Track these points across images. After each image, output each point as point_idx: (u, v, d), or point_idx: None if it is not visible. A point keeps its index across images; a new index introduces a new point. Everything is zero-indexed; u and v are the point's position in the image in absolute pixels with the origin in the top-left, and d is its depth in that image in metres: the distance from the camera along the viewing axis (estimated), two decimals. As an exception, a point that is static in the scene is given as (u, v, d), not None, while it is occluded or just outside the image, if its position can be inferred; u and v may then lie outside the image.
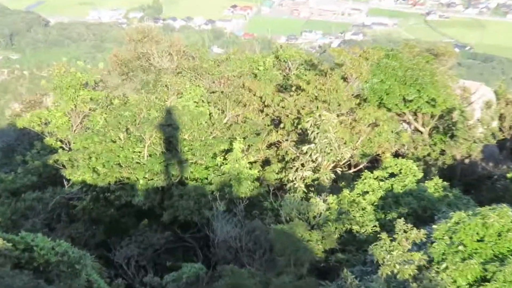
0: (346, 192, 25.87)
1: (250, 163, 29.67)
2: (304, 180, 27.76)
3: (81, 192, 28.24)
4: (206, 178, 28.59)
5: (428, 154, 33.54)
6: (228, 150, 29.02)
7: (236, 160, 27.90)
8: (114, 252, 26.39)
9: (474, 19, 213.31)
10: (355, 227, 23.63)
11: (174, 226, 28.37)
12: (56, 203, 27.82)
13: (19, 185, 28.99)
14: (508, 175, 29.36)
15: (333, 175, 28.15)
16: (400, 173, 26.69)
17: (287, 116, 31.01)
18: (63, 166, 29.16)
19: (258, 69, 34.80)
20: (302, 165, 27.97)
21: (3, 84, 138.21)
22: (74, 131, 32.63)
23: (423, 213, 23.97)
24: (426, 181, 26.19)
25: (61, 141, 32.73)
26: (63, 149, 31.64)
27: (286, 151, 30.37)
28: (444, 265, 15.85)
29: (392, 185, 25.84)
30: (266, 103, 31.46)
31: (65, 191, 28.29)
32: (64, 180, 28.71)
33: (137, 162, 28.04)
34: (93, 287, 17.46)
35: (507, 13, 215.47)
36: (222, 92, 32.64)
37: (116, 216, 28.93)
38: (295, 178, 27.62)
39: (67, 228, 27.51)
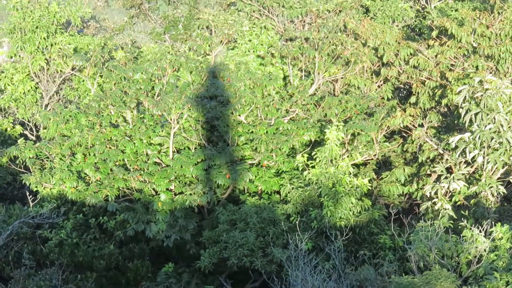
0: (526, 220, 23.95)
1: (356, 165, 27.48)
2: (451, 197, 25.61)
3: (57, 215, 25.73)
4: (278, 192, 26.84)
5: None
6: (317, 143, 27.29)
7: (331, 161, 25.73)
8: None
9: None
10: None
11: (220, 276, 26.15)
12: (13, 234, 25.44)
13: None
14: None
15: (503, 189, 25.48)
16: None
17: (423, 83, 29.08)
18: (25, 168, 27.43)
19: (372, -2, 34.90)
20: (449, 170, 25.98)
21: None
22: (46, 106, 31.93)
23: None
24: None
25: (22, 124, 32.31)
26: (26, 138, 29.98)
27: (420, 145, 27.84)
28: None
29: None
30: (385, 60, 29.58)
31: (28, 212, 25.79)
32: (27, 194, 26.22)
33: (155, 163, 26.69)
34: None
35: None
36: (307, 39, 31.05)
37: (117, 258, 26.57)
38: (436, 194, 25.68)
39: (31, 279, 24.71)
